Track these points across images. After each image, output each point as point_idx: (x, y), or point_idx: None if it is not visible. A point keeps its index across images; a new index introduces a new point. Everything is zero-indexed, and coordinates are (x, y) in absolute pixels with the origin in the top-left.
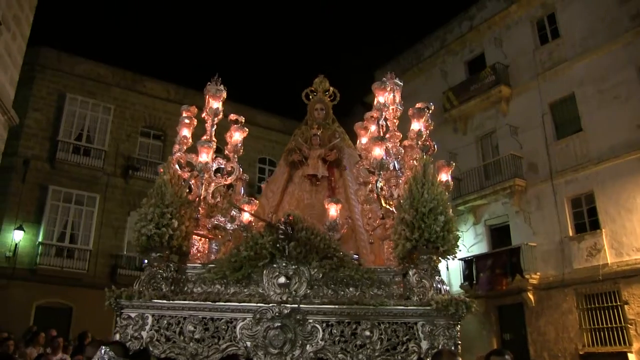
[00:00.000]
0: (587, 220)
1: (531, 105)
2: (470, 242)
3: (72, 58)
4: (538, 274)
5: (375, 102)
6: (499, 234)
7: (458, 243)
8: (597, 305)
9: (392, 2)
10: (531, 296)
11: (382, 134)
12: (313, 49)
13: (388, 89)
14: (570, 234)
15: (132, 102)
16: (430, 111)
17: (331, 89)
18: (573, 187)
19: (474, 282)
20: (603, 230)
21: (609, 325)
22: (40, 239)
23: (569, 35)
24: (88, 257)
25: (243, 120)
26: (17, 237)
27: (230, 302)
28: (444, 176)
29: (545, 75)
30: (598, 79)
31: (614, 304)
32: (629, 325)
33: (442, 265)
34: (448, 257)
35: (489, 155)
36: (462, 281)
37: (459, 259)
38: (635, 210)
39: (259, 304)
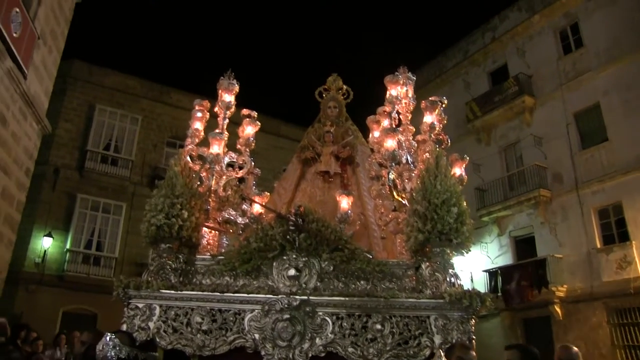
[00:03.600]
0: (616, 231)
1: (555, 115)
2: (494, 253)
3: (102, 70)
4: (565, 286)
5: (387, 95)
6: (524, 246)
7: (482, 253)
8: (630, 320)
9: (414, 15)
10: (558, 309)
11: (394, 127)
12: (336, 62)
13: (401, 82)
14: (598, 245)
15: (159, 113)
16: (444, 105)
17: (344, 87)
18: (600, 197)
19: (499, 294)
20: (633, 242)
21: None
22: (68, 246)
23: (593, 44)
24: (114, 264)
25: (255, 115)
26: (46, 243)
27: (239, 293)
28: (458, 170)
29: (569, 85)
30: (623, 88)
31: None
32: None
33: (466, 277)
34: (462, 250)
35: (513, 166)
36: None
37: (483, 271)
38: None
39: (267, 296)
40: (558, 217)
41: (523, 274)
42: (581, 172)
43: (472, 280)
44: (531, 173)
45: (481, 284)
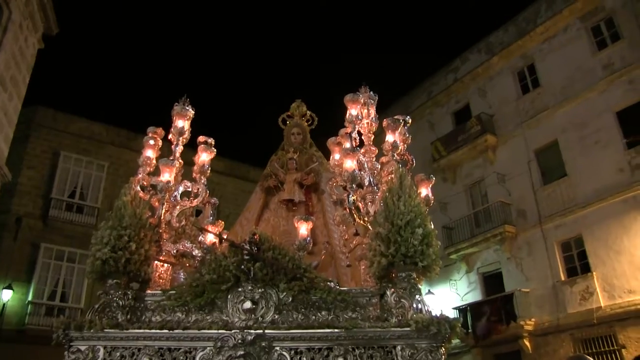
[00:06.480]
0: (578, 263)
1: (517, 152)
2: (464, 290)
3: (67, 116)
4: (533, 319)
5: (347, 115)
6: (492, 281)
7: (452, 290)
8: (595, 350)
9: (378, 57)
10: (528, 343)
11: (354, 147)
12: (306, 102)
13: (361, 101)
14: (562, 278)
15: (126, 160)
16: (408, 125)
17: (308, 113)
18: (562, 231)
19: (469, 330)
20: (594, 273)
21: None
22: (30, 298)
23: (549, 84)
24: (79, 315)
25: (213, 142)
26: (5, 296)
27: (190, 329)
28: (424, 191)
29: (529, 123)
30: (579, 125)
31: (612, 348)
32: None
33: (436, 313)
34: (429, 274)
35: (479, 203)
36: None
37: (453, 308)
38: (624, 252)
39: (220, 331)
40: (524, 252)
41: (492, 310)
42: (544, 207)
43: None
44: (496, 210)
45: None
